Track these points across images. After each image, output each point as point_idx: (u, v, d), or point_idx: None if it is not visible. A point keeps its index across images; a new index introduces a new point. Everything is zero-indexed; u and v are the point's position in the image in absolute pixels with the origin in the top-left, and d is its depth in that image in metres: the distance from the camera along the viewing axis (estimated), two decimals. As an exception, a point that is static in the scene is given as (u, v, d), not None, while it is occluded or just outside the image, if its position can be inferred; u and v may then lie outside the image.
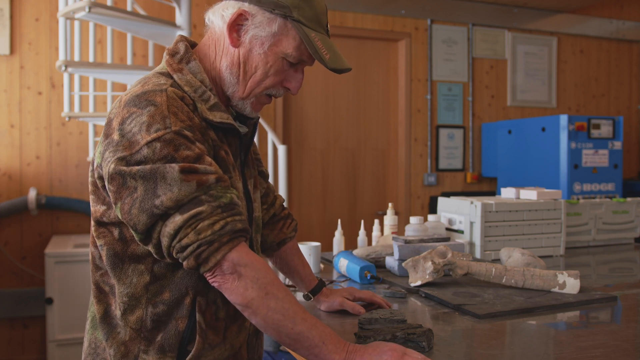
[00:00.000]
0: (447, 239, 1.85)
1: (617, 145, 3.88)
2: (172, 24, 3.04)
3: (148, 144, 0.92)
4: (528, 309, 1.38)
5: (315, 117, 4.17)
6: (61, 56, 3.01)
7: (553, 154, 3.80)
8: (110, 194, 0.96)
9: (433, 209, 4.22)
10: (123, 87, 3.53)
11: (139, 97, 0.98)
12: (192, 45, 1.14)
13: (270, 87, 1.09)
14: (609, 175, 3.86)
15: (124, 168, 0.93)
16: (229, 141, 1.09)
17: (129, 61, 3.43)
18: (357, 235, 2.17)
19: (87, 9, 2.68)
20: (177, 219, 0.91)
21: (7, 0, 3.43)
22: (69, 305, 3.02)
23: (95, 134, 3.46)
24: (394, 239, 1.82)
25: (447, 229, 2.18)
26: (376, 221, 2.24)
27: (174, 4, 3.06)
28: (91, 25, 3.15)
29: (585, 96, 4.94)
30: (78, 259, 3.02)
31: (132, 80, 3.12)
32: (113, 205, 0.97)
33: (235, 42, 1.06)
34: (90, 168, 1.05)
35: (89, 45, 3.32)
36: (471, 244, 2.07)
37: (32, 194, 3.38)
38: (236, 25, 1.05)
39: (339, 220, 2.21)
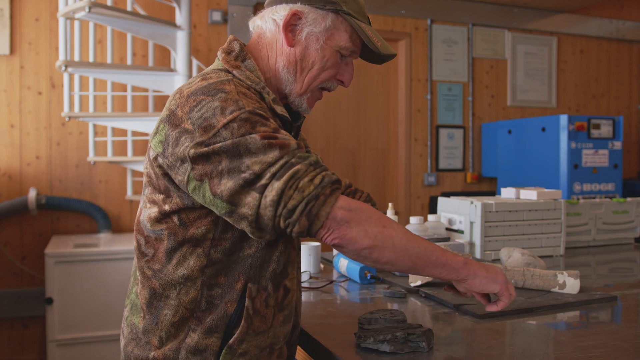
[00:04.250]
0: (447, 239, 1.84)
1: (617, 145, 3.88)
2: (172, 24, 3.04)
3: (225, 125, 0.95)
4: (528, 309, 1.38)
5: (315, 117, 4.17)
6: (61, 56, 3.01)
7: (553, 154, 3.80)
8: (194, 175, 0.96)
9: (433, 209, 4.22)
10: (123, 87, 3.53)
11: (206, 87, 1.00)
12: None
13: (326, 80, 1.14)
14: (609, 175, 3.86)
15: (205, 149, 0.94)
16: None
17: (129, 61, 3.43)
18: (357, 235, 2.17)
19: (87, 9, 2.69)
20: (276, 185, 0.92)
21: (7, 0, 3.43)
22: (69, 305, 3.02)
23: (96, 133, 3.46)
24: (394, 239, 1.82)
25: (447, 229, 2.18)
26: (376, 221, 2.24)
27: (174, 4, 3.07)
28: (91, 25, 3.16)
29: (585, 96, 4.94)
30: (78, 259, 3.02)
31: (132, 80, 3.12)
32: (196, 188, 0.97)
33: (291, 41, 1.11)
34: (146, 160, 1.08)
35: (89, 45, 3.32)
36: (471, 244, 2.07)
37: (32, 194, 3.38)
38: (290, 26, 1.10)
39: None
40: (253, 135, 0.94)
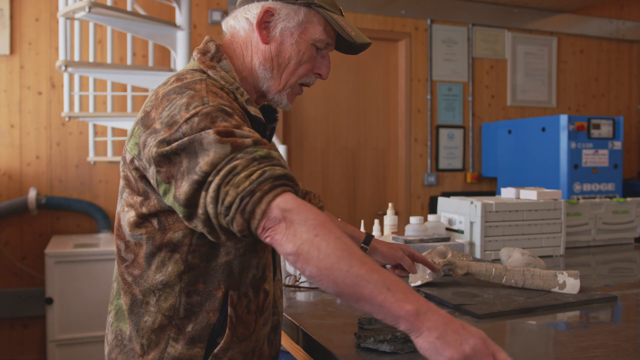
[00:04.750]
0: (447, 239, 1.84)
1: (617, 145, 3.88)
2: (172, 24, 3.04)
3: (186, 120, 0.92)
4: (528, 309, 1.37)
5: (315, 117, 4.17)
6: (61, 56, 3.01)
7: (553, 154, 3.80)
8: (161, 178, 0.94)
9: (433, 209, 4.22)
10: (123, 87, 3.53)
11: (179, 87, 1.00)
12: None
13: (304, 74, 1.14)
14: (609, 175, 3.86)
15: (166, 148, 0.92)
16: None
17: (129, 61, 3.43)
18: (357, 235, 2.17)
19: (87, 9, 2.68)
20: (214, 181, 0.87)
21: (7, 0, 3.42)
22: (69, 305, 3.02)
23: (96, 133, 3.46)
24: (393, 239, 1.82)
25: (447, 229, 2.18)
26: (376, 221, 2.24)
27: (174, 4, 3.07)
28: (91, 25, 3.15)
29: (585, 96, 4.94)
30: (78, 259, 3.02)
31: (132, 80, 3.12)
32: (166, 191, 0.94)
33: (265, 38, 1.11)
34: (121, 163, 1.07)
35: (89, 45, 3.32)
36: (471, 244, 2.07)
37: (32, 194, 3.38)
38: (264, 23, 1.11)
39: (339, 220, 2.20)
40: (208, 131, 0.89)
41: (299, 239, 0.83)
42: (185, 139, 0.91)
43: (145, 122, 0.99)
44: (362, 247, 1.47)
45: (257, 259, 1.07)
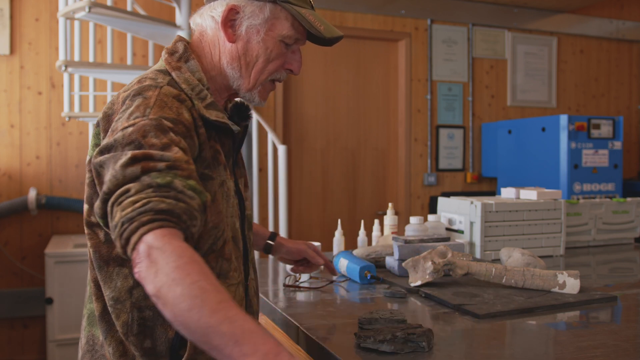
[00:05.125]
0: (447, 239, 1.84)
1: (617, 145, 3.88)
2: (172, 24, 3.04)
3: (122, 129, 0.92)
4: (528, 309, 1.37)
5: (315, 117, 4.17)
6: (61, 56, 3.01)
7: (553, 154, 3.80)
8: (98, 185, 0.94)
9: (433, 209, 4.22)
10: (123, 87, 3.52)
11: (135, 90, 1.00)
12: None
13: (273, 71, 1.13)
14: (609, 175, 3.86)
15: (97, 159, 0.92)
16: (222, 141, 1.11)
17: (129, 61, 3.43)
18: (357, 235, 2.17)
19: (87, 9, 2.68)
20: (110, 198, 0.85)
21: (7, 0, 3.43)
22: (69, 305, 3.02)
23: (95, 134, 3.45)
24: (394, 239, 1.82)
25: (447, 229, 2.18)
26: (376, 221, 2.24)
27: (174, 4, 3.06)
28: (91, 25, 3.15)
29: (585, 96, 4.94)
30: (78, 259, 3.02)
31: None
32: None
33: (231, 37, 1.09)
34: (87, 168, 1.06)
35: (89, 45, 3.32)
36: (471, 244, 2.07)
37: (32, 194, 3.38)
38: (229, 21, 1.08)
39: (339, 220, 2.21)
40: (127, 152, 0.88)
41: (159, 281, 0.78)
42: (110, 154, 0.90)
43: (104, 127, 1.01)
44: (267, 243, 1.47)
45: (210, 266, 1.01)
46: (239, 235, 1.13)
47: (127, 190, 0.84)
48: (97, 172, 0.92)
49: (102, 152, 0.92)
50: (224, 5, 1.08)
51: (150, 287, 0.79)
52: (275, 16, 1.09)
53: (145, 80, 1.03)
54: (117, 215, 0.83)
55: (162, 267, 0.78)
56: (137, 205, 0.82)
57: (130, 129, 0.92)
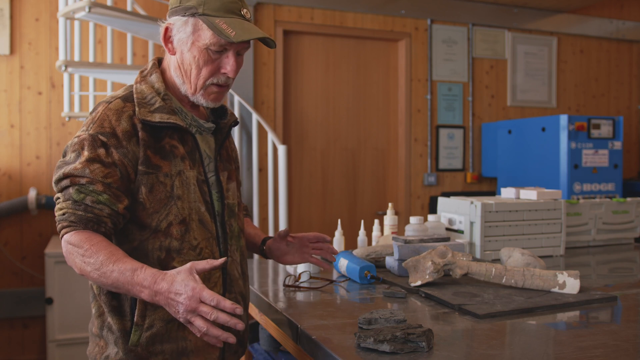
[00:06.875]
0: (447, 239, 1.85)
1: (617, 145, 3.88)
2: (172, 24, 3.03)
3: (71, 144, 1.23)
4: (528, 309, 1.38)
5: (315, 117, 4.17)
6: (61, 56, 3.01)
7: (553, 154, 3.80)
8: None
9: (433, 209, 4.22)
10: (123, 87, 3.52)
11: (95, 105, 1.29)
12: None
13: (208, 76, 1.28)
14: (609, 175, 3.86)
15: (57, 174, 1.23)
16: (181, 137, 1.29)
17: (129, 61, 3.43)
18: (357, 235, 2.17)
19: (87, 9, 2.69)
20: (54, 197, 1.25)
21: (7, 0, 3.43)
22: (69, 305, 3.02)
23: (95, 134, 3.45)
24: (394, 239, 1.82)
25: (447, 229, 2.18)
26: (376, 221, 2.24)
27: (174, 4, 3.06)
28: (91, 25, 3.15)
29: (585, 96, 4.94)
30: (78, 259, 3.02)
31: (132, 80, 3.12)
32: None
33: (171, 50, 1.30)
34: None
35: (89, 45, 3.32)
36: (471, 244, 2.07)
37: (32, 194, 3.38)
38: (167, 38, 1.29)
39: (339, 220, 2.21)
40: (68, 166, 1.20)
41: (77, 265, 1.17)
42: (61, 160, 1.24)
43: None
44: (262, 250, 1.58)
45: (158, 242, 1.24)
46: (207, 219, 1.30)
47: (58, 198, 1.22)
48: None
49: (63, 153, 1.25)
50: (163, 26, 1.29)
51: (75, 270, 1.18)
52: (198, 28, 1.25)
53: (112, 95, 1.29)
54: (55, 210, 1.21)
55: (76, 256, 1.17)
56: (60, 213, 1.20)
57: (76, 139, 1.23)
